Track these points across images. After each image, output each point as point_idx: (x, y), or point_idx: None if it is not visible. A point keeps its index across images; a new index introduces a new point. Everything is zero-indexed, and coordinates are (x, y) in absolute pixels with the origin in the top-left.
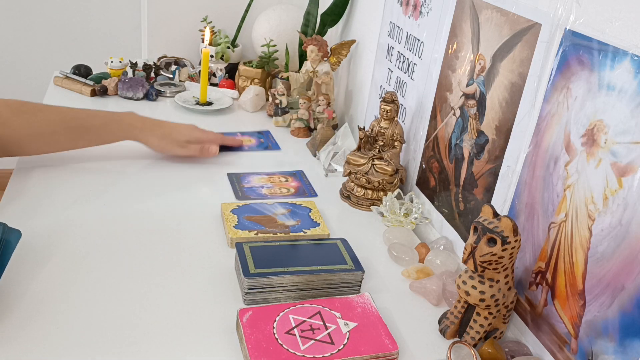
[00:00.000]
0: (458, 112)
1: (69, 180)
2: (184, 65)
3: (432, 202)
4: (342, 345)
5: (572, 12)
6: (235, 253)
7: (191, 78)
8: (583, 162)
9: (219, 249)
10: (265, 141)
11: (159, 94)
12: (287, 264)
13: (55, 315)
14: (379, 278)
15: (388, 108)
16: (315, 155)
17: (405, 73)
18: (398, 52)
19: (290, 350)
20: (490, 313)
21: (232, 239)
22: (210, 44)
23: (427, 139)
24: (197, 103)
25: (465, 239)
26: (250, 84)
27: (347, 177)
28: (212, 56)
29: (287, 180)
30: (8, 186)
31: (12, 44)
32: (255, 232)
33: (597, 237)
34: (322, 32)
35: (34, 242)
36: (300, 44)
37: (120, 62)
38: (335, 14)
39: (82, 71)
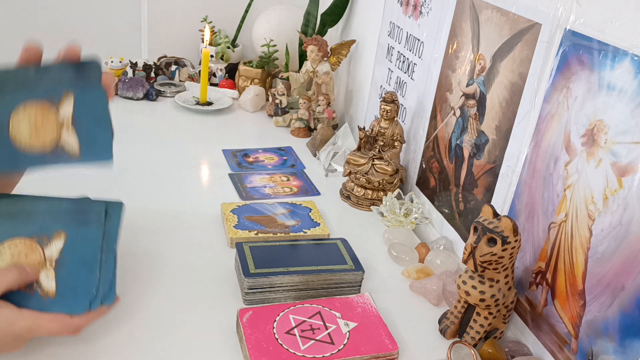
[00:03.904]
0: (458, 112)
1: (68, 180)
2: (184, 65)
3: (432, 202)
4: (342, 345)
5: (572, 12)
6: (235, 253)
7: (191, 78)
8: (583, 162)
9: (219, 249)
10: (289, 159)
11: (159, 94)
12: (287, 264)
13: None
14: (379, 278)
15: (388, 108)
16: (315, 155)
17: (405, 73)
18: (398, 52)
19: (290, 350)
20: (490, 313)
21: (232, 239)
22: (210, 44)
23: (427, 139)
24: (197, 103)
25: (465, 239)
26: (250, 84)
27: (347, 177)
28: (212, 56)
29: (288, 180)
30: None
31: (12, 44)
32: (256, 232)
33: (597, 237)
34: (322, 32)
35: None
36: (300, 44)
37: (120, 62)
38: (335, 14)
39: None
